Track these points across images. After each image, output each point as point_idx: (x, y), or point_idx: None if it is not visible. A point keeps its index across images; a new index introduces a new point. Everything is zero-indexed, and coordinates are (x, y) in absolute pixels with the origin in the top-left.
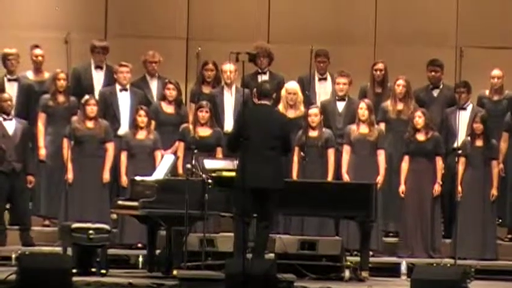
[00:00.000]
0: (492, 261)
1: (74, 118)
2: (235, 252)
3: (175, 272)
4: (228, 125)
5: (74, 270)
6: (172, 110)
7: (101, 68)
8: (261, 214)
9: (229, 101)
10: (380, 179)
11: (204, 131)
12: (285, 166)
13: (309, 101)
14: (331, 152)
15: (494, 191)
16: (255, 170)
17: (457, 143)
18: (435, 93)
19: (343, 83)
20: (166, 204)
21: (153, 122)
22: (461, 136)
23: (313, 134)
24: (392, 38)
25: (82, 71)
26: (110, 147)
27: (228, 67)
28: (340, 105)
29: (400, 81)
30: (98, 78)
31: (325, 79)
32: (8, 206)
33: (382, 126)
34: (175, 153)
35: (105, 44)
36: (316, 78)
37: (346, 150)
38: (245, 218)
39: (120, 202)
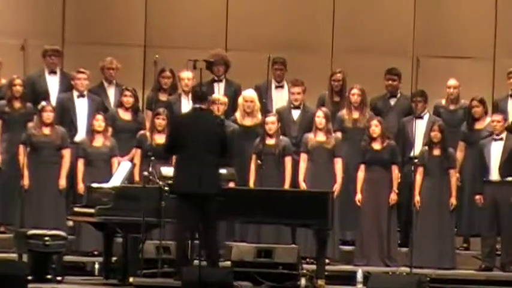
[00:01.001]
0: (449, 270)
1: (30, 124)
2: (177, 261)
3: (131, 280)
4: None
5: (30, 277)
6: (130, 117)
7: (54, 72)
8: (203, 221)
9: (187, 108)
10: (337, 187)
11: (161, 138)
12: (241, 174)
13: (266, 109)
14: (288, 160)
15: (453, 200)
16: (191, 176)
17: (414, 152)
18: (392, 102)
19: (297, 92)
20: (123, 211)
21: (110, 129)
22: (418, 145)
23: (270, 141)
24: (350, 47)
25: (36, 77)
26: (67, 153)
27: (186, 74)
28: (295, 114)
29: (355, 90)
30: (53, 83)
31: (282, 87)
32: None
33: (339, 134)
34: (132, 160)
35: (57, 48)
36: (273, 86)
37: (303, 158)
38: (186, 225)
39: (76, 209)
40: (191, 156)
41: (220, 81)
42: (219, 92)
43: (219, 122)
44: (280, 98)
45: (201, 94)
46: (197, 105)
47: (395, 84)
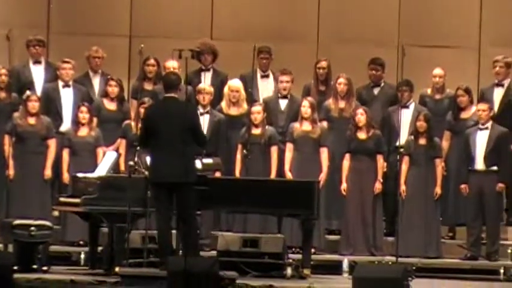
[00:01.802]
0: (434, 259)
1: (16, 114)
2: (159, 251)
3: (117, 269)
4: None
5: (15, 267)
6: (115, 106)
7: (39, 62)
8: (179, 210)
9: None
10: (323, 176)
11: None
12: (227, 163)
13: (251, 99)
14: (274, 150)
15: (438, 189)
16: (165, 165)
17: (399, 142)
18: (376, 91)
19: (286, 81)
20: (109, 201)
21: (95, 119)
22: (404, 134)
23: (256, 131)
24: (335, 36)
25: (20, 68)
26: (52, 143)
27: (171, 64)
28: (283, 103)
29: (342, 80)
30: (38, 73)
31: (267, 76)
32: None
33: (325, 124)
34: (117, 150)
35: (41, 38)
36: (259, 76)
37: (289, 147)
38: (166, 214)
39: (62, 199)
40: (163, 146)
41: (208, 70)
42: (204, 81)
43: (193, 112)
44: (265, 87)
45: (170, 82)
46: (167, 94)
47: (379, 74)
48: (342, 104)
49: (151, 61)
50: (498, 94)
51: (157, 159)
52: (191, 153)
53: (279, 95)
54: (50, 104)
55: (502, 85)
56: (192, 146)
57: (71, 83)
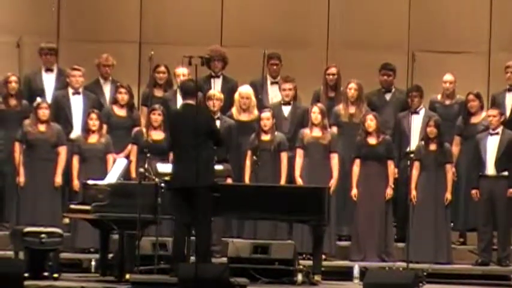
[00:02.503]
0: (445, 265)
1: (26, 122)
2: (172, 258)
3: (127, 276)
4: None
5: (26, 275)
6: (125, 113)
7: (51, 70)
8: (194, 215)
9: None
10: (333, 182)
11: (157, 135)
12: (237, 170)
13: (261, 105)
14: (283, 156)
15: (448, 195)
16: (183, 170)
17: (410, 147)
18: (387, 96)
19: (289, 89)
20: (119, 208)
21: (104, 126)
22: (414, 140)
23: (265, 137)
24: (345, 42)
25: (32, 76)
26: (62, 151)
27: (181, 71)
28: (286, 110)
29: (352, 85)
30: (49, 81)
31: (277, 83)
32: None
33: (335, 129)
34: (127, 157)
35: (53, 46)
36: (269, 82)
37: (299, 153)
38: (181, 221)
39: (72, 206)
40: (182, 152)
41: (218, 77)
42: (214, 87)
43: (209, 115)
44: (275, 93)
45: (188, 89)
46: (186, 101)
47: (390, 80)
48: (352, 109)
49: (162, 68)
50: (510, 99)
51: (177, 165)
52: (209, 158)
53: (282, 101)
54: (60, 111)
55: None
56: (210, 150)
57: (80, 90)
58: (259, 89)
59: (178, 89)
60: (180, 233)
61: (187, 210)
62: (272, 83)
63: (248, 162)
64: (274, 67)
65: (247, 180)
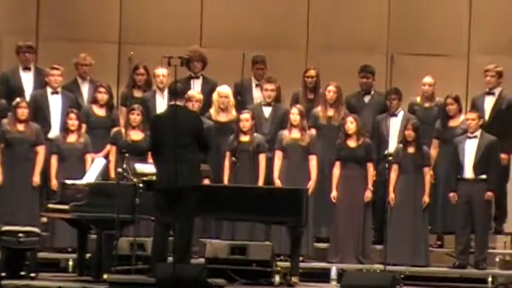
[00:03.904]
0: (423, 267)
1: (5, 121)
2: (151, 258)
3: (105, 276)
4: None
5: (3, 274)
6: (104, 113)
7: (28, 69)
8: (177, 215)
9: (162, 105)
10: (311, 184)
11: (136, 135)
12: (216, 171)
13: (241, 106)
14: (262, 157)
15: (426, 198)
16: (169, 171)
17: (388, 150)
18: (366, 99)
19: (271, 89)
20: (97, 207)
21: (83, 126)
22: (393, 143)
23: (244, 138)
24: (325, 44)
25: (10, 74)
26: (41, 150)
27: (161, 71)
28: (267, 111)
29: (331, 87)
30: (27, 79)
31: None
32: None
33: (313, 132)
34: (106, 156)
35: (30, 43)
36: (253, 84)
37: (278, 155)
38: (163, 221)
39: (50, 205)
40: (168, 154)
41: (197, 78)
42: (193, 88)
43: (196, 118)
44: (260, 96)
45: (177, 91)
46: (173, 102)
47: (370, 82)
48: (330, 111)
49: (141, 70)
50: (489, 103)
51: (162, 167)
52: (194, 160)
53: (263, 102)
54: (39, 111)
55: (493, 94)
56: (195, 152)
57: (59, 89)
58: (244, 91)
59: (158, 89)
60: (161, 233)
61: (170, 211)
62: (257, 86)
63: (227, 163)
64: (260, 71)
65: (226, 181)
